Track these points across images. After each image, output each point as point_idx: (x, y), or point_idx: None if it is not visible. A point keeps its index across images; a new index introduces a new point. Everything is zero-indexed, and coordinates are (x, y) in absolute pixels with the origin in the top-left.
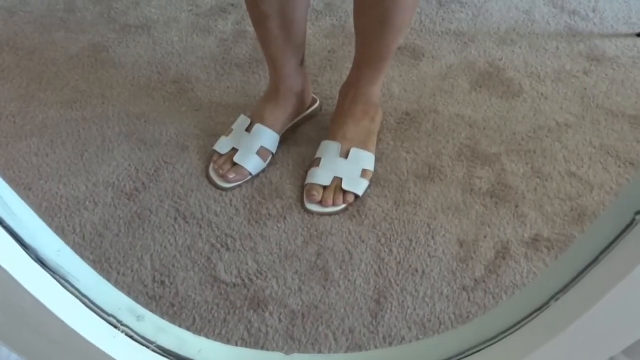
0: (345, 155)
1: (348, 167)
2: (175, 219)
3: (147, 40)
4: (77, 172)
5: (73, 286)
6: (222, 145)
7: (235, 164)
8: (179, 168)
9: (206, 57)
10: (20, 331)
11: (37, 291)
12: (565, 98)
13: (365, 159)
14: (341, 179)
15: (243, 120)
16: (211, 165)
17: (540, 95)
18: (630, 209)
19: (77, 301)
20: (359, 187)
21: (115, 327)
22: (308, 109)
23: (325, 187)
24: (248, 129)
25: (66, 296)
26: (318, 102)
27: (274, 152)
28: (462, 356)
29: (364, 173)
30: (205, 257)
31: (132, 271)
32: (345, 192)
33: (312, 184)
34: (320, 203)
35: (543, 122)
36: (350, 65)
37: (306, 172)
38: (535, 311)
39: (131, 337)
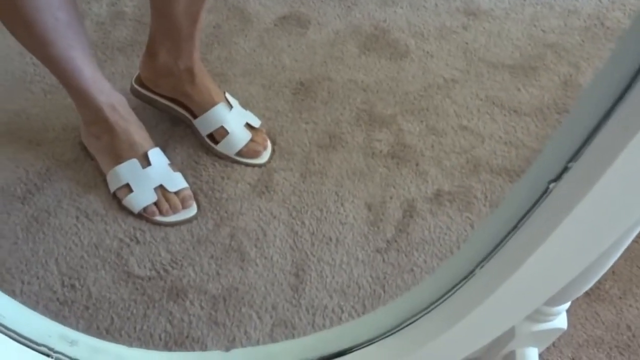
0: (229, 108)
1: (237, 111)
2: (77, 217)
3: None
4: None
5: None
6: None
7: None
8: (72, 164)
9: None
10: None
11: None
12: (449, 54)
13: (230, 97)
14: (247, 122)
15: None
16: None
17: (426, 53)
18: (544, 177)
19: (5, 337)
20: (253, 117)
21: (48, 355)
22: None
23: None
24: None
25: None
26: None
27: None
28: (397, 329)
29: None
30: (114, 254)
31: (38, 278)
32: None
33: (249, 143)
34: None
35: (432, 79)
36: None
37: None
38: (463, 279)
39: None
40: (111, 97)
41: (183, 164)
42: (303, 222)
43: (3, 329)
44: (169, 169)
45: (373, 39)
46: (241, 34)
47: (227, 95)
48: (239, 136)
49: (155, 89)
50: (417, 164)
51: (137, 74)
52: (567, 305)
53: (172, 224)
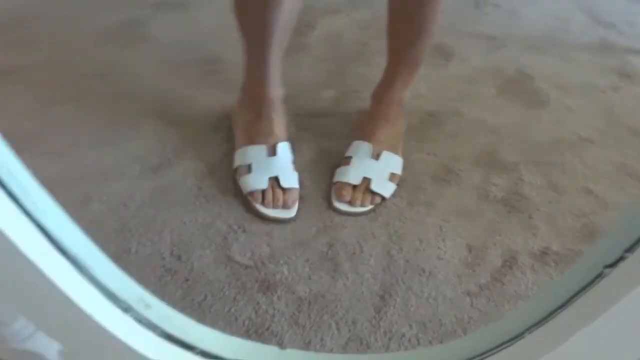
0: (376, 157)
1: (378, 168)
2: (197, 196)
3: (183, 17)
4: (106, 143)
5: (89, 272)
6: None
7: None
8: (204, 147)
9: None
10: (42, 309)
11: (56, 276)
12: (590, 113)
13: (395, 163)
14: (370, 180)
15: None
16: (257, 206)
17: (566, 107)
18: (601, 261)
19: (91, 286)
20: (387, 189)
21: (125, 310)
22: None
23: (354, 187)
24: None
25: (81, 281)
26: None
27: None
28: None
29: (392, 176)
30: (221, 237)
31: (152, 243)
32: (373, 194)
33: (342, 183)
34: (349, 202)
35: (565, 135)
36: (381, 60)
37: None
38: (512, 339)
39: (139, 321)
40: (275, 91)
41: (303, 165)
42: (401, 248)
43: (91, 279)
44: (291, 165)
45: (513, 83)
46: (384, 55)
47: None
48: None
49: None
50: (529, 217)
51: None
52: None
53: (266, 218)
